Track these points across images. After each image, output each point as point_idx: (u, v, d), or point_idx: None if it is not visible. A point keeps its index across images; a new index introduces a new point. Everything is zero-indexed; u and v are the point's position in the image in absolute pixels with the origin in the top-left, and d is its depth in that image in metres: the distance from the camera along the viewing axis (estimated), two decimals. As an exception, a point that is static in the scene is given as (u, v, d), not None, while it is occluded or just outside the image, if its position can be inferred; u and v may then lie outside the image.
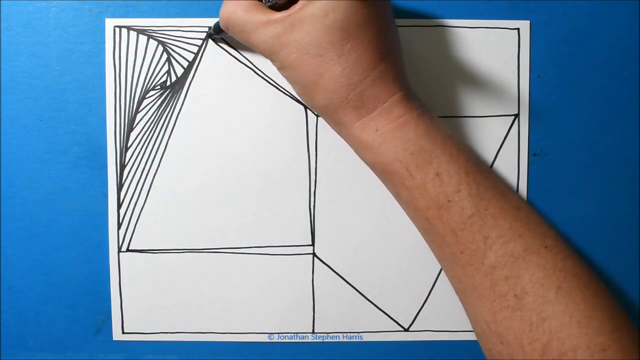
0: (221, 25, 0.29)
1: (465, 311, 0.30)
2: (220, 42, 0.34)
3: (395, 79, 0.27)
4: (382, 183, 0.34)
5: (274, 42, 0.26)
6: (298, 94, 0.29)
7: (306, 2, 0.26)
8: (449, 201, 0.27)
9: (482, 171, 0.28)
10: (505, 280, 0.26)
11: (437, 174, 0.27)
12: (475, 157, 0.29)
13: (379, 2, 0.27)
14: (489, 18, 0.35)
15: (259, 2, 0.28)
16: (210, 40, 0.35)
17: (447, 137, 0.28)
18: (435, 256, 0.29)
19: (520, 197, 0.28)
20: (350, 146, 0.29)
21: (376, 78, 0.27)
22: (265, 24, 0.26)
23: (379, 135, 0.27)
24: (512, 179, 0.36)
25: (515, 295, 0.26)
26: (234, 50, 0.35)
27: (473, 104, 0.35)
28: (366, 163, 0.29)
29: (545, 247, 0.27)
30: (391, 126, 0.27)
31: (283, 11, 0.26)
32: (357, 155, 0.35)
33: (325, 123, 0.36)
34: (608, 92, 0.35)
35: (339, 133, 0.29)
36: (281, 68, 0.28)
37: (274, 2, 0.27)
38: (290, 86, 0.35)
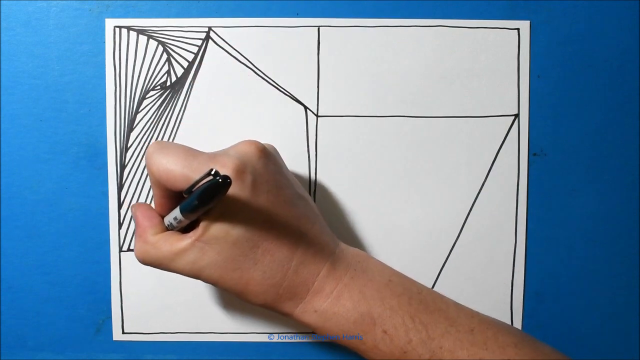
0: (140, 262, 0.29)
1: None
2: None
3: (315, 257, 0.28)
4: (384, 183, 0.34)
5: (193, 268, 0.27)
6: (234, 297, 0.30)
7: (205, 226, 0.26)
8: (405, 352, 0.28)
9: (426, 307, 0.29)
10: None
11: (385, 332, 0.28)
12: (417, 292, 0.29)
13: (275, 196, 0.27)
14: (489, 18, 0.35)
15: (165, 233, 0.28)
16: (210, 41, 0.35)
17: (384, 288, 0.29)
18: None
19: (471, 316, 0.29)
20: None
21: (297, 266, 0.28)
22: (178, 255, 0.27)
23: (319, 316, 0.28)
24: (512, 179, 0.36)
25: None
26: (234, 51, 0.35)
27: (473, 104, 0.35)
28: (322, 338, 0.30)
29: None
30: (327, 304, 0.28)
31: (190, 235, 0.27)
32: (358, 155, 0.35)
33: (326, 123, 0.36)
34: (608, 92, 0.35)
35: (288, 318, 0.30)
36: (210, 283, 0.28)
37: (178, 227, 0.28)
38: (290, 86, 0.35)
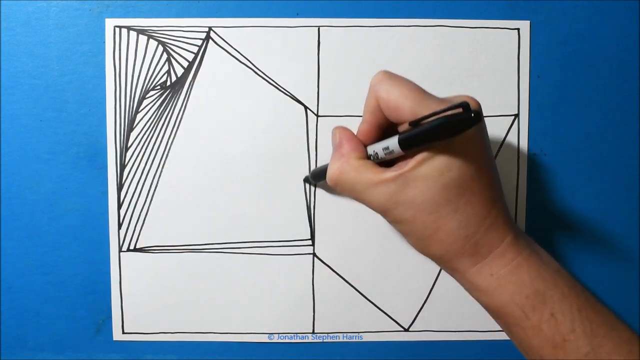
0: (329, 183, 0.29)
1: None
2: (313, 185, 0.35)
3: (505, 223, 0.28)
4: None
5: (388, 201, 0.26)
6: (410, 243, 0.29)
7: (419, 162, 0.26)
8: (564, 340, 0.27)
9: (593, 306, 0.28)
10: None
11: (552, 314, 0.27)
12: (584, 290, 0.29)
13: (486, 151, 0.27)
14: (489, 18, 0.35)
15: (368, 161, 0.28)
16: (210, 41, 0.35)
17: (557, 274, 0.28)
18: None
19: (630, 329, 0.29)
20: (464, 287, 0.30)
21: (490, 225, 0.27)
22: (377, 184, 0.26)
23: (494, 280, 0.28)
24: (512, 179, 0.36)
25: None
26: (234, 51, 0.35)
27: (473, 104, 0.35)
28: (480, 303, 0.29)
29: None
30: (505, 270, 0.27)
31: (394, 169, 0.26)
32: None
33: (325, 123, 0.36)
34: (608, 92, 0.35)
35: (452, 276, 0.30)
36: (394, 222, 0.28)
37: (382, 159, 0.27)
38: (290, 86, 0.35)
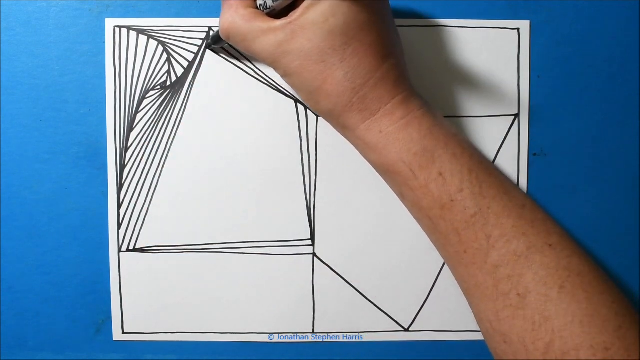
0: (221, 35, 0.28)
1: (472, 310, 0.30)
2: (220, 53, 0.34)
3: (397, 81, 0.27)
4: (384, 183, 0.34)
5: (276, 50, 0.26)
6: (302, 100, 0.29)
7: (306, 8, 0.26)
8: (452, 200, 0.27)
9: (486, 169, 0.28)
10: (508, 279, 0.26)
11: (440, 174, 0.27)
12: (480, 155, 0.29)
13: (378, 4, 0.27)
14: (489, 18, 0.35)
15: (258, 11, 0.28)
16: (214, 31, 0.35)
17: (450, 136, 0.28)
18: (441, 256, 0.29)
19: (525, 195, 0.28)
20: (355, 148, 0.29)
21: (379, 80, 0.27)
22: (266, 32, 0.26)
23: (383, 137, 0.27)
24: (512, 179, 0.36)
25: (518, 294, 0.26)
26: (234, 51, 0.35)
27: (473, 104, 0.35)
28: (371, 163, 0.29)
29: (550, 245, 0.27)
30: (395, 127, 0.27)
31: (283, 18, 0.26)
32: (358, 155, 0.35)
33: (325, 123, 0.36)
34: (608, 92, 0.35)
35: (344, 135, 0.29)
36: (284, 75, 0.28)
37: (272, 8, 0.27)
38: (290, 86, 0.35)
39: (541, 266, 0.26)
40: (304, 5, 0.26)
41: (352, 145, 0.35)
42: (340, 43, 0.26)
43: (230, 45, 0.34)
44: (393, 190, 0.30)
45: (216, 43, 0.33)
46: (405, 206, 0.30)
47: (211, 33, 0.34)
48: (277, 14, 0.27)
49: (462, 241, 0.27)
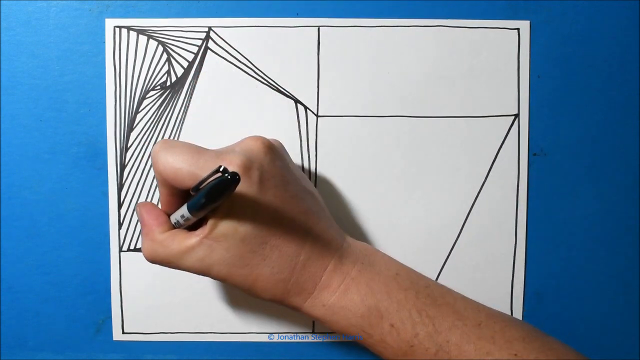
0: (148, 260, 0.29)
1: None
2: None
3: (322, 252, 0.28)
4: (384, 182, 0.34)
5: (201, 265, 0.27)
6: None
7: (213, 223, 0.26)
8: (412, 346, 0.28)
9: (433, 301, 0.29)
10: None
11: (392, 325, 0.28)
12: (424, 286, 0.29)
13: (281, 192, 0.27)
14: (489, 18, 0.35)
15: (173, 231, 0.28)
16: (210, 40, 0.35)
17: (391, 281, 0.29)
18: None
19: (478, 310, 0.29)
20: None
21: (305, 261, 0.28)
22: (186, 252, 0.27)
23: (328, 309, 0.28)
24: (512, 179, 0.36)
25: None
26: (234, 51, 0.35)
27: (473, 104, 0.35)
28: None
29: (515, 354, 0.27)
30: (335, 297, 0.28)
31: (197, 233, 0.27)
32: (358, 155, 0.35)
33: (325, 123, 0.36)
34: (608, 92, 0.35)
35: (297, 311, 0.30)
36: (219, 280, 0.28)
37: (185, 225, 0.28)
38: (290, 86, 0.35)
39: None
40: (210, 222, 0.26)
41: (352, 145, 0.35)
42: (257, 244, 0.27)
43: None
44: None
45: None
46: None
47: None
48: (194, 224, 0.28)
49: None
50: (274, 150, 0.28)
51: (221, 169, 0.23)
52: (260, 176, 0.26)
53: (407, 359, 0.28)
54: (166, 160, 0.27)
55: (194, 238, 0.27)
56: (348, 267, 0.29)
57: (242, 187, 0.25)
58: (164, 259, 0.28)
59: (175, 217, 0.28)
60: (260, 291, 0.28)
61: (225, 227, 0.26)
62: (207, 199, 0.24)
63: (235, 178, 0.23)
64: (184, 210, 0.27)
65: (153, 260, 0.28)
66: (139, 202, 0.33)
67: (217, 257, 0.27)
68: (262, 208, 0.26)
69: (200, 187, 0.25)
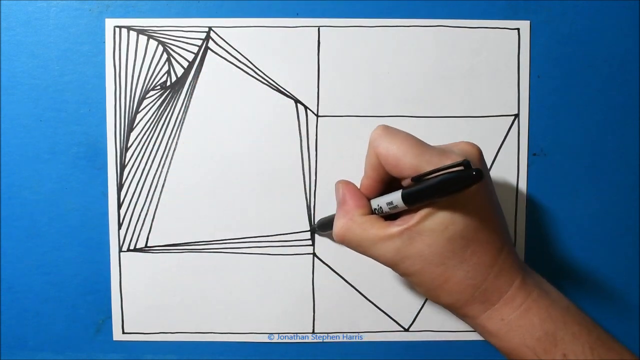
0: (336, 239, 0.29)
1: None
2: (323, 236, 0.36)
3: (512, 267, 0.28)
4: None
5: (395, 256, 0.27)
6: (421, 293, 0.29)
7: (423, 216, 0.26)
8: None
9: (604, 343, 0.28)
10: None
11: (564, 355, 0.27)
12: (594, 326, 0.29)
13: (490, 200, 0.27)
14: (489, 18, 0.35)
15: (373, 216, 0.28)
16: (210, 40, 0.35)
17: (566, 312, 0.29)
18: None
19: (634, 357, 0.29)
20: (476, 330, 0.30)
21: (498, 272, 0.27)
22: (383, 239, 0.27)
23: (505, 324, 0.28)
24: (512, 179, 0.36)
25: None
26: (234, 50, 0.35)
27: (473, 104, 0.35)
28: (493, 345, 0.30)
29: None
30: (515, 314, 0.28)
31: (399, 222, 0.27)
32: (358, 155, 0.35)
33: (325, 123, 0.36)
34: (608, 92, 0.35)
35: (464, 321, 0.30)
36: (404, 275, 0.28)
37: (386, 213, 0.27)
38: (290, 86, 0.35)
39: None
40: (421, 213, 0.26)
41: (351, 146, 0.35)
42: (460, 246, 0.26)
43: (321, 234, 0.35)
44: None
45: (323, 230, 0.34)
46: None
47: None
48: (392, 215, 0.28)
49: None
50: (484, 159, 0.28)
51: (464, 163, 0.23)
52: (487, 177, 0.27)
53: None
54: (389, 147, 0.27)
55: (395, 227, 0.26)
56: (531, 288, 0.28)
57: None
58: (357, 242, 0.27)
59: (379, 202, 0.28)
60: (447, 293, 0.27)
61: (436, 222, 0.26)
62: (437, 190, 0.24)
63: (480, 175, 0.22)
64: (393, 197, 0.26)
65: (345, 238, 0.28)
66: (340, 180, 0.32)
67: (414, 250, 0.26)
68: (475, 210, 0.26)
69: (423, 178, 0.25)
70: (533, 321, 0.28)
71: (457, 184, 0.23)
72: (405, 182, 0.27)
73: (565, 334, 0.28)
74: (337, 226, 0.28)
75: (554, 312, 0.28)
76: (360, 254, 0.28)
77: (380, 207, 0.28)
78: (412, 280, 0.28)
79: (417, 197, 0.25)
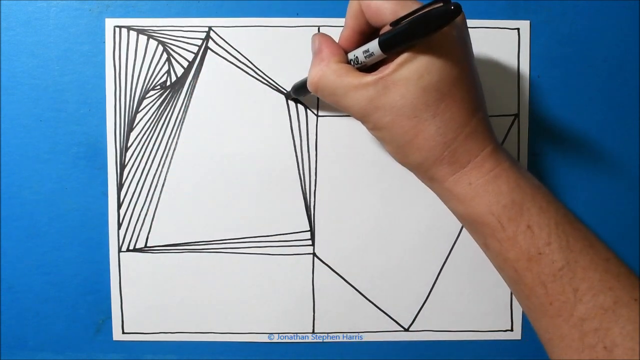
0: (309, 88, 0.28)
1: None
2: (297, 102, 0.35)
3: (485, 133, 0.28)
4: (384, 183, 0.34)
5: (367, 105, 0.26)
6: (389, 152, 0.29)
7: (399, 65, 0.25)
8: (540, 253, 0.27)
9: (571, 222, 0.28)
10: (595, 333, 0.26)
11: (529, 227, 0.27)
12: (564, 207, 0.29)
13: (469, 58, 0.27)
14: (489, 18, 0.35)
15: (349, 65, 0.27)
16: (210, 40, 0.35)
17: (536, 188, 0.28)
18: (521, 305, 0.29)
19: (609, 248, 0.29)
20: (440, 198, 0.29)
21: (469, 134, 0.27)
22: (357, 88, 0.26)
23: (472, 189, 0.27)
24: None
25: (605, 348, 0.26)
26: (234, 50, 0.35)
27: (473, 104, 0.35)
28: (455, 214, 0.29)
29: (635, 299, 0.27)
30: (484, 179, 0.27)
31: (374, 73, 0.26)
32: (358, 155, 0.35)
33: (325, 124, 0.36)
34: (608, 92, 0.35)
35: (429, 186, 0.29)
36: (373, 129, 0.28)
37: (363, 64, 0.27)
38: (290, 86, 0.35)
39: (628, 320, 0.26)
40: (397, 61, 0.25)
41: (351, 146, 0.35)
42: (434, 99, 0.26)
43: (296, 100, 0.35)
44: (476, 241, 0.30)
45: (298, 94, 0.33)
46: (488, 256, 0.30)
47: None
48: (367, 68, 0.27)
49: (548, 293, 0.27)
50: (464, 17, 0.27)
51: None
52: (459, 33, 0.26)
53: (528, 265, 0.27)
54: None
55: (370, 76, 0.26)
56: (502, 158, 0.28)
57: (448, 29, 0.24)
58: (331, 88, 0.27)
59: (356, 53, 0.27)
60: (415, 149, 0.27)
61: (411, 70, 0.25)
62: (414, 30, 0.23)
63: (459, 9, 0.21)
64: (370, 45, 0.26)
65: (318, 86, 0.27)
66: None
67: (388, 100, 0.26)
68: (452, 65, 0.25)
69: (401, 22, 0.24)
70: (501, 188, 0.27)
71: (434, 19, 0.22)
72: (383, 31, 0.26)
73: (532, 206, 0.27)
74: (312, 74, 0.28)
75: (523, 185, 0.28)
76: (334, 106, 0.27)
77: (357, 58, 0.27)
78: (382, 135, 0.27)
79: (394, 40, 0.24)
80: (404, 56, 0.25)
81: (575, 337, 0.27)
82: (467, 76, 0.26)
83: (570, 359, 0.27)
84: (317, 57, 0.28)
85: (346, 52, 0.28)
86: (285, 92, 0.35)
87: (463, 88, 0.26)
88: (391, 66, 0.25)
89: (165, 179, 0.35)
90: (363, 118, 0.27)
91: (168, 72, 0.35)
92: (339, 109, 0.27)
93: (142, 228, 0.35)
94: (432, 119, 0.26)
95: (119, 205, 0.35)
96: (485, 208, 0.27)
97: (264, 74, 0.35)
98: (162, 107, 0.35)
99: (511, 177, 0.27)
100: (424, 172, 0.28)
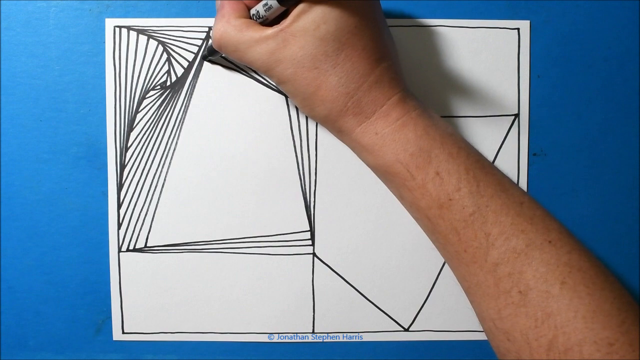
0: (214, 45, 0.29)
1: (473, 309, 0.30)
2: (216, 63, 0.35)
3: (391, 82, 0.28)
4: (383, 184, 0.34)
5: (269, 59, 0.27)
6: (298, 106, 0.29)
7: (296, 16, 0.26)
8: (450, 200, 0.27)
9: (482, 167, 0.28)
10: (509, 277, 0.26)
11: (437, 173, 0.27)
12: (477, 153, 0.29)
13: (369, 8, 0.27)
14: (489, 18, 0.35)
15: (250, 20, 0.28)
16: (210, 40, 0.35)
17: (446, 135, 0.28)
18: (442, 255, 0.30)
19: (523, 192, 0.28)
20: (352, 150, 0.30)
21: (372, 83, 0.27)
22: (258, 41, 0.27)
23: (379, 139, 0.27)
24: (512, 178, 0.36)
25: (520, 292, 0.26)
26: (234, 50, 0.35)
27: (473, 104, 0.35)
28: (368, 165, 0.29)
29: (549, 241, 0.27)
30: (390, 129, 0.27)
31: (275, 26, 0.27)
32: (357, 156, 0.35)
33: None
34: (608, 92, 0.35)
35: (340, 139, 0.29)
36: (279, 83, 0.28)
37: (264, 18, 0.27)
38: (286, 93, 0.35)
39: (541, 263, 0.26)
40: (294, 13, 0.26)
41: (352, 145, 0.35)
42: (333, 49, 0.26)
43: (224, 57, 0.34)
44: (392, 192, 0.30)
45: (211, 54, 0.34)
46: (405, 207, 0.30)
47: (206, 44, 0.34)
48: (270, 22, 0.28)
49: (461, 240, 0.27)
50: None
51: None
52: None
53: (440, 213, 0.27)
54: None
55: (270, 30, 0.26)
56: (410, 105, 0.28)
57: None
58: (233, 44, 0.27)
59: (257, 8, 0.27)
60: (319, 102, 0.27)
61: (308, 20, 0.25)
62: None
63: None
64: None
65: (220, 41, 0.28)
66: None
67: (288, 52, 0.26)
68: (350, 14, 0.26)
69: None
70: (408, 136, 0.27)
71: None
72: None
73: (441, 152, 0.27)
74: (214, 31, 0.28)
75: (432, 132, 0.28)
76: (240, 61, 0.28)
77: (258, 12, 0.27)
78: (287, 89, 0.28)
79: None
80: (300, 7, 0.25)
81: (490, 283, 0.27)
82: (368, 25, 0.26)
83: (488, 306, 0.27)
84: (219, 14, 0.28)
85: (249, 9, 0.28)
86: (202, 54, 0.35)
87: (364, 37, 0.26)
88: (289, 18, 0.26)
89: (165, 179, 0.35)
90: (267, 72, 0.27)
91: (168, 72, 0.35)
92: (246, 65, 0.28)
93: (142, 228, 0.35)
94: (333, 69, 0.26)
95: (119, 205, 0.35)
96: (393, 157, 0.27)
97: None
98: (162, 107, 0.35)
99: (419, 125, 0.27)
100: (332, 124, 0.28)
